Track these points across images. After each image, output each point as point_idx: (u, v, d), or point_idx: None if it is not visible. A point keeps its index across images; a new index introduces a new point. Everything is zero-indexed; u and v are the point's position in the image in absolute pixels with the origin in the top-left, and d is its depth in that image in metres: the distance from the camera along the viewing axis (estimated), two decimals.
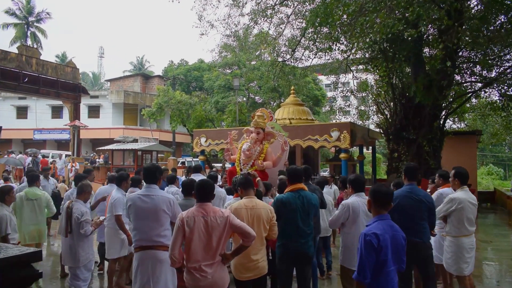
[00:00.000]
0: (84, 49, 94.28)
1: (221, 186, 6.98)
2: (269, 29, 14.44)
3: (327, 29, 10.54)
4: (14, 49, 21.24)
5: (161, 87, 23.83)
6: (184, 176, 10.34)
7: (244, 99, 26.63)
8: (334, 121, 21.06)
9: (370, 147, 16.02)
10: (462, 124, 16.77)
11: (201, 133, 12.34)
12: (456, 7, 8.08)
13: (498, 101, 11.08)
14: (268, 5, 12.94)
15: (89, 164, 20.47)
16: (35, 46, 31.90)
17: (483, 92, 11.74)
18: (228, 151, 7.57)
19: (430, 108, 9.91)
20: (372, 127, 17.00)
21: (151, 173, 3.90)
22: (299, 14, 13.18)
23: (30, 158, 19.32)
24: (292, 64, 14.94)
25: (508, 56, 10.32)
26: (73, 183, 7.46)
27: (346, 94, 17.10)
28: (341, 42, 11.08)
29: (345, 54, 11.86)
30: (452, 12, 8.13)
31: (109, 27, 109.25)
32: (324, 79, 28.03)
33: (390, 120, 11.40)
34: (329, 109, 23.38)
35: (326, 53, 13.01)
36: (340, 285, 4.73)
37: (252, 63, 25.57)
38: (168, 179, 6.47)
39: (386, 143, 12.06)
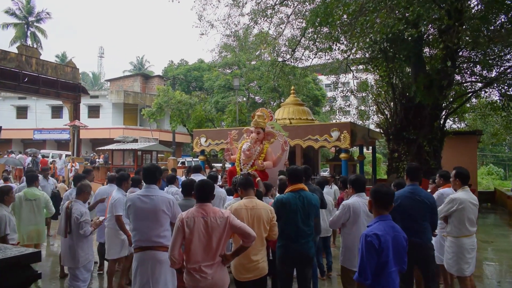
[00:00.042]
0: (84, 49, 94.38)
1: (221, 186, 6.96)
2: (269, 29, 14.45)
3: (327, 29, 10.53)
4: (14, 49, 21.21)
5: (161, 87, 23.81)
6: (184, 176, 10.32)
7: (244, 99, 26.62)
8: (334, 121, 21.05)
9: (370, 147, 16.00)
10: (462, 124, 16.78)
11: (201, 133, 12.32)
12: (456, 7, 8.06)
13: (498, 101, 11.07)
14: (268, 5, 12.93)
15: (89, 164, 20.46)
16: (35, 46, 31.89)
17: (483, 92, 11.73)
18: (228, 150, 7.55)
19: (430, 108, 9.91)
20: (372, 127, 17.00)
21: (151, 173, 3.87)
22: (299, 14, 13.17)
23: (30, 158, 19.33)
24: (292, 64, 14.93)
25: (508, 56, 10.32)
26: (72, 183, 7.44)
27: (346, 94, 17.08)
28: (341, 42, 11.06)
29: (345, 54, 11.84)
30: (453, 12, 8.12)
31: (109, 27, 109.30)
32: (324, 79, 28.01)
33: (390, 120, 11.39)
34: (329, 109, 23.35)
35: (326, 53, 13.00)
36: (340, 286, 4.72)
37: (252, 63, 25.55)
38: (167, 179, 6.46)
39: (386, 143, 12.06)
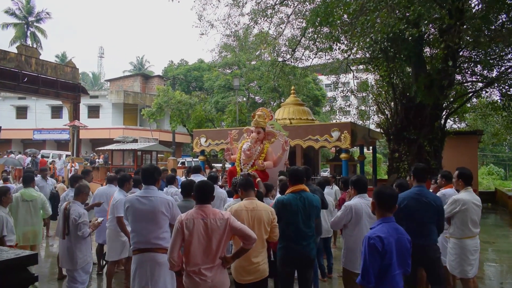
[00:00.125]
0: (84, 49, 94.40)
1: (221, 186, 6.92)
2: (269, 29, 14.40)
3: (327, 28, 10.49)
4: (13, 49, 21.16)
5: (161, 87, 23.78)
6: (183, 177, 10.28)
7: (244, 99, 26.58)
8: (334, 121, 21.02)
9: (371, 147, 15.95)
10: (463, 124, 16.75)
11: (201, 133, 12.27)
12: (457, 6, 8.03)
13: (499, 101, 11.04)
14: (268, 5, 12.89)
15: (88, 164, 20.42)
16: (34, 46, 31.84)
17: (484, 92, 11.69)
18: (228, 150, 7.50)
19: (431, 108, 9.87)
20: (372, 127, 16.95)
21: (149, 174, 3.83)
22: (299, 14, 13.13)
23: (29, 158, 19.29)
24: (292, 64, 14.89)
25: (509, 56, 10.28)
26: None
27: (347, 94, 17.05)
28: (341, 41, 11.02)
29: (345, 54, 11.81)
30: (453, 12, 8.09)
31: (109, 27, 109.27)
32: (324, 79, 27.96)
33: (390, 120, 11.35)
34: (329, 109, 23.30)
35: (327, 53, 12.96)
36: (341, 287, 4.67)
37: (252, 63, 25.52)
38: (167, 179, 6.41)
39: (387, 143, 12.02)
